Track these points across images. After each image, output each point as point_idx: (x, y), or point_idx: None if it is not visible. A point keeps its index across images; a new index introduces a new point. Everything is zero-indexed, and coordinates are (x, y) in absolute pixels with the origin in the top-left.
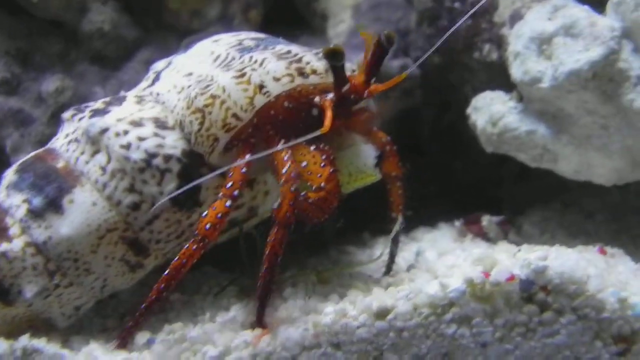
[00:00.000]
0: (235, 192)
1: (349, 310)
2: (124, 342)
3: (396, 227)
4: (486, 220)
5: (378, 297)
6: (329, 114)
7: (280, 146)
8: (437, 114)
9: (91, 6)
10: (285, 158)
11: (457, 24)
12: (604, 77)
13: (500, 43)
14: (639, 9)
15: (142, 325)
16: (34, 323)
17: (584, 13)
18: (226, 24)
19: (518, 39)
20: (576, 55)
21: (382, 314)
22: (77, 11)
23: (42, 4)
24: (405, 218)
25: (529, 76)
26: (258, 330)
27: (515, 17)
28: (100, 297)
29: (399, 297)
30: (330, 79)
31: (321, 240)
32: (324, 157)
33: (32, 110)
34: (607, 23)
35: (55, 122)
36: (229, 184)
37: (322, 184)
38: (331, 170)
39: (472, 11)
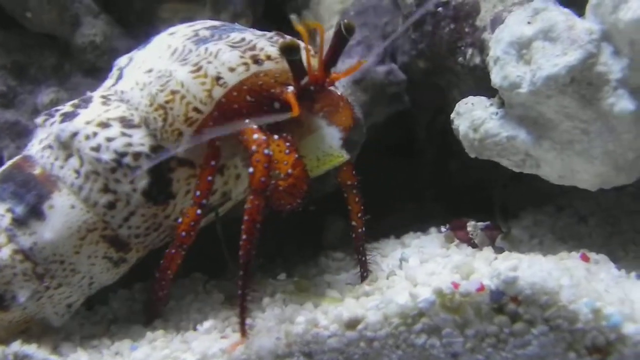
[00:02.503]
0: (204, 201)
1: (320, 319)
2: None
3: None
4: (471, 225)
5: (349, 307)
6: (293, 102)
7: (247, 122)
8: (431, 117)
9: (83, 20)
10: (255, 128)
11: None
12: (582, 81)
13: (482, 47)
14: (618, 10)
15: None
16: (30, 324)
17: (562, 16)
18: None
19: (498, 43)
20: (554, 60)
21: (352, 324)
22: (70, 25)
23: (35, 19)
24: (366, 224)
25: (508, 81)
26: (234, 339)
27: (497, 21)
28: (89, 294)
29: (370, 307)
30: (285, 63)
31: (320, 245)
32: (287, 144)
33: (28, 122)
34: (585, 26)
35: None
36: (198, 193)
37: (289, 171)
38: (296, 156)
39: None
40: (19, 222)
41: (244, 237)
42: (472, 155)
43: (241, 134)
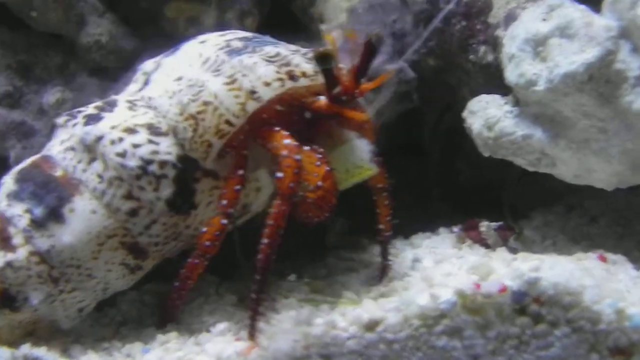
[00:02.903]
0: (230, 210)
1: (338, 321)
2: None
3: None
4: (485, 226)
5: (368, 309)
6: (327, 105)
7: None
8: (438, 116)
9: (88, 19)
10: (285, 133)
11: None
12: (600, 79)
13: (495, 45)
14: (636, 7)
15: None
16: (38, 325)
17: (579, 13)
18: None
19: (512, 40)
20: (571, 57)
21: (372, 325)
22: (75, 24)
23: (41, 18)
24: (392, 228)
25: (524, 79)
26: (249, 342)
27: (510, 18)
28: (102, 299)
29: (389, 308)
30: (320, 80)
31: (323, 245)
32: (318, 156)
33: (34, 122)
34: (603, 23)
35: None
36: (224, 202)
37: (319, 183)
38: (327, 168)
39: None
40: (37, 224)
41: (265, 241)
42: (486, 154)
43: (270, 140)
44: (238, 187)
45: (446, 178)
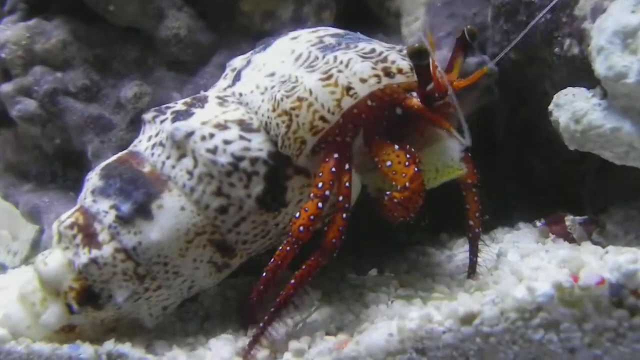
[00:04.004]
0: (327, 192)
1: (434, 315)
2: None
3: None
4: (570, 220)
5: (464, 302)
6: (417, 103)
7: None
8: (512, 110)
9: (167, 12)
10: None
11: (537, 19)
12: None
13: (581, 37)
14: None
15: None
16: (120, 323)
17: None
18: (299, 25)
19: (601, 33)
20: None
21: (468, 319)
22: (153, 18)
23: (118, 12)
24: (483, 224)
25: (614, 71)
26: (341, 336)
27: (597, 11)
28: (187, 297)
29: (486, 301)
30: (414, 77)
31: (395, 241)
32: (408, 156)
33: (111, 116)
34: None
35: (134, 127)
36: (320, 184)
37: (407, 184)
38: (415, 169)
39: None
40: (124, 220)
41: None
42: (572, 148)
43: (378, 153)
44: (334, 169)
45: (519, 173)
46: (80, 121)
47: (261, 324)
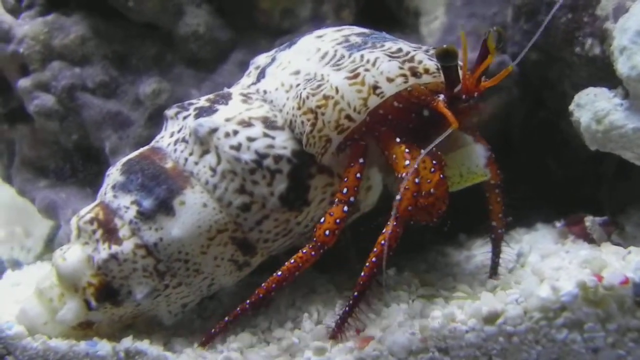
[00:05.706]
0: (352, 199)
1: (457, 314)
2: (211, 339)
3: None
4: (589, 221)
5: (487, 301)
6: (448, 112)
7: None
8: (528, 111)
9: (186, 9)
10: (407, 151)
11: (549, 17)
12: None
13: (603, 37)
14: None
15: (237, 322)
16: (138, 320)
17: None
18: (318, 23)
19: (623, 33)
20: None
21: (491, 318)
22: (173, 14)
23: (137, 8)
24: (505, 225)
25: (637, 71)
26: (364, 335)
27: (620, 10)
28: (206, 295)
29: (509, 301)
30: (441, 77)
31: (418, 241)
32: (434, 162)
33: (130, 112)
34: None
35: (152, 124)
36: (345, 190)
37: (432, 190)
38: (441, 176)
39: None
40: (146, 216)
41: (373, 259)
42: (593, 148)
43: (390, 150)
44: (359, 174)
45: (536, 174)
46: (99, 117)
47: (347, 305)
